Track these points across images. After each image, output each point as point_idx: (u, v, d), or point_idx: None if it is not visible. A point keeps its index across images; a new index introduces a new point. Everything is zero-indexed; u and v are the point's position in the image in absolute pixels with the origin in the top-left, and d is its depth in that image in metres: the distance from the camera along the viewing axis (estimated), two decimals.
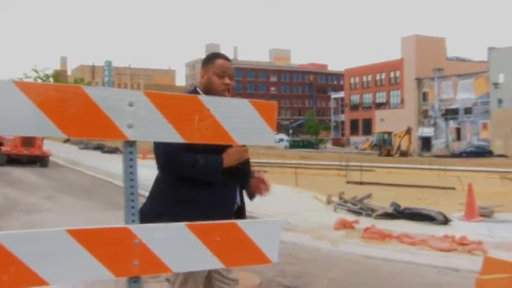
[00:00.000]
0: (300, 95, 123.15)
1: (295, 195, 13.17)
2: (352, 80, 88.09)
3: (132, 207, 1.97)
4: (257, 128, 2.16)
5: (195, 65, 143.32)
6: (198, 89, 2.99)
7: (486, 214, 9.68)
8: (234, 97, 2.86)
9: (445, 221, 8.76)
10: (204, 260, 2.05)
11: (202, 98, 2.07)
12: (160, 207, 2.79)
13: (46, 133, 1.83)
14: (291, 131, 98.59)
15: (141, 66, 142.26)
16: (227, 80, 2.91)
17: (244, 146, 2.78)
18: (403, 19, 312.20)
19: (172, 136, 2.03)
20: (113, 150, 33.85)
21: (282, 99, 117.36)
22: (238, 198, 2.97)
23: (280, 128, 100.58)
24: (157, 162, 2.86)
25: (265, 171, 21.65)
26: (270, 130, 2.20)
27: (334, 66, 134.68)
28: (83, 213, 10.22)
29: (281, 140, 72.11)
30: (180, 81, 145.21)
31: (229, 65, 2.98)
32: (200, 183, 2.74)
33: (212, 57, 2.99)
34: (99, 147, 36.68)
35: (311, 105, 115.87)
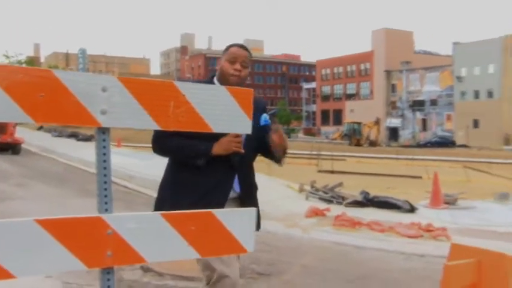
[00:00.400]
0: (273, 85, 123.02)
1: (268, 183, 13.08)
2: (323, 71, 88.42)
3: (105, 196, 1.86)
4: (234, 115, 2.07)
5: (169, 54, 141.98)
6: (215, 79, 2.95)
7: (450, 201, 9.82)
8: (240, 84, 2.81)
9: (411, 209, 8.84)
10: (179, 249, 1.96)
11: (178, 83, 1.97)
12: (162, 192, 2.92)
13: (13, 118, 1.70)
14: None
15: (116, 55, 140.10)
16: (237, 66, 2.84)
17: (238, 136, 2.73)
18: (373, 12, 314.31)
19: (147, 123, 1.92)
20: (88, 138, 33.20)
21: (255, 89, 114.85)
22: (237, 186, 2.89)
23: None
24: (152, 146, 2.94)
25: None
26: (247, 118, 2.11)
27: (306, 58, 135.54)
28: (56, 200, 9.99)
29: None
30: (155, 70, 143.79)
31: (243, 53, 2.89)
32: (193, 167, 2.75)
33: (229, 46, 2.93)
34: (74, 135, 35.95)
35: (283, 95, 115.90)
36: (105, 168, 1.87)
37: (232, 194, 2.86)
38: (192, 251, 1.99)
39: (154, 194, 10.99)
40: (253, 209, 2.11)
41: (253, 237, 2.10)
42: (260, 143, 2.88)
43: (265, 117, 2.99)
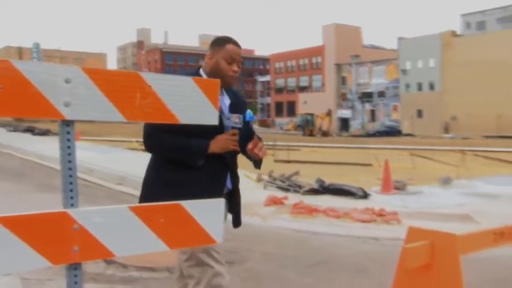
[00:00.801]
0: None
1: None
2: (277, 65, 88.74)
3: (71, 190, 1.75)
4: (201, 106, 1.99)
5: (126, 48, 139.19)
6: (202, 71, 2.78)
7: (400, 187, 10.01)
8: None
9: (365, 195, 8.97)
10: (147, 242, 1.88)
11: (144, 74, 1.87)
12: (151, 191, 2.70)
13: None
14: None
15: (71, 49, 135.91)
16: (235, 67, 2.71)
17: (234, 134, 2.63)
18: (324, 7, 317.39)
19: (113, 115, 1.82)
20: (44, 132, 32.04)
21: None
22: (229, 183, 2.82)
23: None
24: (143, 143, 2.75)
25: None
26: (214, 109, 2.04)
27: (260, 52, 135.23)
28: (16, 196, 9.57)
29: None
30: (112, 64, 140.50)
31: (240, 52, 2.76)
32: (186, 166, 2.62)
33: (224, 41, 2.74)
34: (29, 130, 34.67)
35: (239, 88, 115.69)
36: (70, 161, 1.76)
37: (224, 190, 2.80)
38: (161, 243, 1.91)
39: (115, 187, 10.68)
40: (221, 200, 2.04)
41: (221, 228, 2.04)
42: (246, 139, 2.78)
43: (250, 113, 2.89)
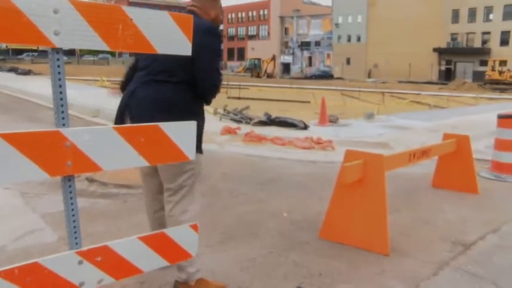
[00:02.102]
0: None
1: None
2: (229, 16, 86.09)
3: (62, 112, 1.64)
4: (176, 38, 1.87)
5: None
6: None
7: (333, 120, 10.19)
8: None
9: (305, 127, 9.07)
10: (130, 159, 1.80)
11: (126, 8, 1.72)
12: (181, 116, 2.28)
13: None
14: None
15: None
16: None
17: None
18: None
19: (98, 44, 1.67)
20: (27, 72, 30.17)
21: None
22: None
23: None
24: (216, 86, 2.51)
25: None
26: (187, 40, 1.92)
27: None
28: (6, 126, 9.07)
29: None
30: None
31: None
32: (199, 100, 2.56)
33: None
34: (13, 70, 32.49)
35: None
36: (60, 86, 1.63)
37: None
38: (141, 159, 1.84)
39: (92, 119, 10.29)
40: (193, 122, 1.97)
41: (194, 146, 1.98)
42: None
43: None
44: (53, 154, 1.57)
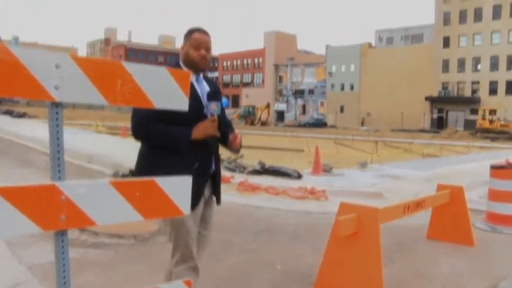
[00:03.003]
0: None
1: None
2: (224, 63, 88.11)
3: (59, 165, 1.65)
4: (173, 94, 1.92)
5: (95, 44, 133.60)
6: (180, 63, 2.59)
7: (327, 169, 10.22)
8: (207, 68, 2.59)
9: (299, 176, 9.09)
10: (125, 213, 1.80)
11: (125, 64, 1.78)
12: (146, 173, 2.37)
13: None
14: None
15: (47, 43, 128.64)
16: (203, 52, 2.51)
17: (214, 121, 2.44)
18: (266, 16, 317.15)
19: (97, 98, 1.72)
20: (22, 115, 30.46)
21: None
22: (213, 165, 2.60)
23: None
24: (133, 133, 2.53)
25: None
26: (184, 96, 1.97)
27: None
28: None
29: None
30: None
31: (206, 38, 2.55)
32: (176, 152, 2.44)
33: (190, 32, 2.56)
34: (8, 112, 32.75)
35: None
36: (58, 139, 1.66)
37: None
38: (136, 214, 1.83)
39: (85, 164, 10.26)
40: (189, 177, 1.98)
41: (189, 201, 1.98)
42: (223, 124, 2.62)
43: (224, 100, 2.73)
44: (47, 208, 1.57)
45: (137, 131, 2.49)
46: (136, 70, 1.81)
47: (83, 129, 21.21)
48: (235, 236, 4.97)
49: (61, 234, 1.64)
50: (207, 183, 2.60)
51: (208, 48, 2.55)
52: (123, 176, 8.95)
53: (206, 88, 2.60)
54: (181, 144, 2.43)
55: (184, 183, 2.00)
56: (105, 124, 24.95)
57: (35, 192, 1.55)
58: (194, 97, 2.39)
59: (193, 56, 2.52)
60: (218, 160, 2.68)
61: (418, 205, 4.33)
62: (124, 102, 1.80)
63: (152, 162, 2.50)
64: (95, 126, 23.78)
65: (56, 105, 1.64)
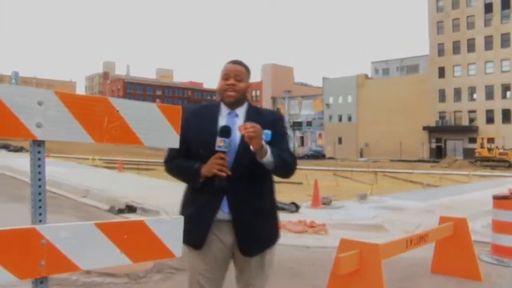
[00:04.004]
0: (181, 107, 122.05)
1: (178, 189, 12.55)
2: None
3: (40, 207, 1.56)
4: (163, 130, 1.85)
5: (93, 78, 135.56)
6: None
7: (326, 202, 10.06)
8: (238, 98, 2.34)
9: (296, 209, 8.91)
10: (112, 257, 1.70)
11: (112, 100, 1.72)
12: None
13: None
14: None
15: (46, 77, 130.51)
16: (230, 81, 2.33)
17: (219, 158, 2.19)
18: (262, 50, 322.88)
19: (82, 136, 1.65)
20: (19, 149, 30.43)
21: None
22: (226, 208, 2.27)
23: None
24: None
25: (154, 169, 20.81)
26: (175, 133, 1.90)
27: (208, 85, 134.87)
28: None
29: None
30: (80, 92, 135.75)
31: (236, 68, 2.36)
32: (192, 188, 2.35)
33: (224, 64, 2.41)
34: (5, 146, 32.80)
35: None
36: (39, 179, 1.57)
37: (222, 216, 2.28)
38: (124, 257, 1.73)
39: (80, 199, 10.11)
40: (180, 218, 1.89)
41: (181, 243, 1.88)
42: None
43: (266, 133, 2.25)
44: (26, 254, 1.47)
45: (165, 166, 2.47)
46: (124, 106, 1.75)
47: (78, 163, 21.08)
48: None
49: (40, 281, 1.53)
50: (225, 228, 2.30)
51: (238, 78, 2.35)
52: (120, 211, 8.80)
53: (238, 123, 2.32)
54: (193, 181, 2.30)
55: (176, 224, 1.90)
56: (102, 158, 24.83)
57: (13, 237, 1.45)
58: (209, 132, 2.26)
59: (221, 86, 2.38)
60: (240, 204, 2.28)
61: (421, 239, 4.20)
62: (110, 140, 1.73)
63: (184, 200, 2.43)
64: (92, 160, 23.67)
65: (39, 143, 1.57)
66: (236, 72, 2.35)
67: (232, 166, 2.24)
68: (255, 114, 2.39)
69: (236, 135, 2.27)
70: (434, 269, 5.07)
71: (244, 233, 2.30)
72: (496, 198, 5.69)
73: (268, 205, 2.42)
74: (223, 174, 2.21)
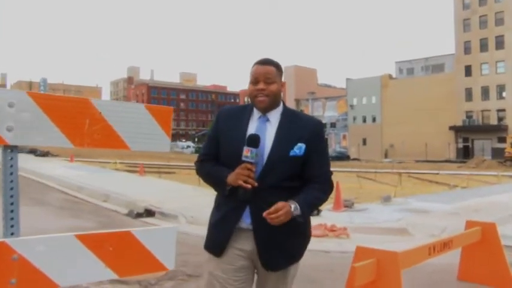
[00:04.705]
0: (204, 110, 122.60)
1: (197, 193, 12.56)
2: (246, 99, 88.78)
3: (11, 219, 1.43)
4: (152, 133, 1.70)
5: (118, 83, 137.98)
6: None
7: (348, 205, 9.79)
8: (271, 103, 2.11)
9: (318, 213, 8.67)
10: (95, 271, 1.56)
11: (94, 101, 1.58)
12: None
13: None
14: (196, 139, 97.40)
15: (73, 83, 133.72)
16: (260, 85, 2.11)
17: (246, 169, 2.01)
18: (285, 52, 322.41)
19: (61, 141, 1.51)
20: (45, 154, 31.36)
21: (189, 113, 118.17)
22: (248, 219, 2.10)
23: (187, 137, 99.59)
24: None
25: (174, 173, 20.87)
26: (165, 136, 1.74)
27: (232, 88, 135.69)
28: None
29: (188, 146, 71.14)
30: (106, 97, 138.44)
31: (266, 69, 2.13)
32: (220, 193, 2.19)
33: (253, 65, 2.18)
34: (32, 151, 33.74)
35: (213, 118, 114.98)
36: (12, 188, 1.44)
37: (244, 225, 2.11)
38: (109, 272, 1.59)
39: (101, 203, 10.13)
40: (173, 228, 1.73)
41: (173, 255, 1.72)
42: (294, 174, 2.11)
43: (300, 146, 2.09)
44: None
45: (195, 166, 2.26)
46: (107, 107, 1.60)
47: (101, 167, 21.32)
48: None
49: None
50: (247, 239, 2.13)
51: (269, 80, 2.12)
52: (138, 215, 8.75)
53: (270, 130, 2.14)
54: (220, 187, 2.13)
55: (167, 234, 1.75)
56: (124, 161, 25.06)
57: None
58: (237, 139, 2.08)
59: (250, 91, 2.16)
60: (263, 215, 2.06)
61: (445, 245, 3.93)
62: (92, 145, 1.58)
63: (214, 205, 2.25)
64: (114, 164, 23.94)
65: (10, 149, 1.43)
66: (266, 74, 2.13)
67: (259, 177, 2.05)
68: (290, 121, 2.17)
69: (266, 144, 2.09)
70: (460, 276, 4.77)
71: (265, 246, 2.13)
72: None
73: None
74: (248, 186, 2.02)
